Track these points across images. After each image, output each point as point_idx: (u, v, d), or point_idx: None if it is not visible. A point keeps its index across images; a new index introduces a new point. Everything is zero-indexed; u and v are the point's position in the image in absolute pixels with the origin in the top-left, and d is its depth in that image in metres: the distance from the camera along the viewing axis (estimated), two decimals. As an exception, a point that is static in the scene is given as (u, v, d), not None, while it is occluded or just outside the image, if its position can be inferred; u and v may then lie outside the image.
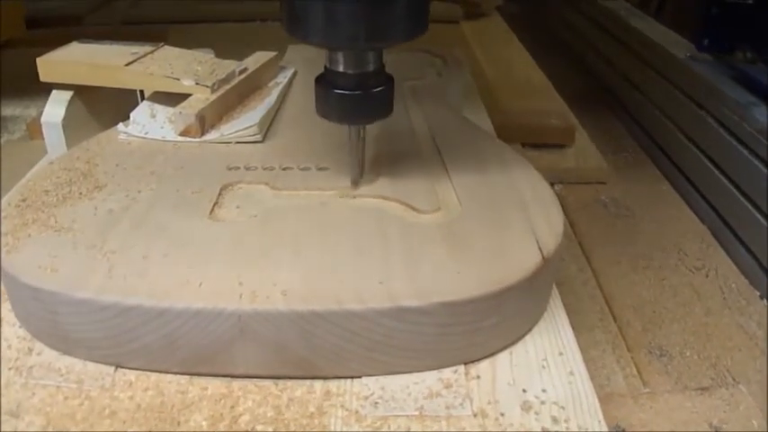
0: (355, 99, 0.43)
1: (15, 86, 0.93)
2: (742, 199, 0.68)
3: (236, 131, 0.54)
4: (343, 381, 0.37)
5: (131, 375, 0.37)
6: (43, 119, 0.59)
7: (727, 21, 0.84)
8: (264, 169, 0.49)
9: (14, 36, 1.09)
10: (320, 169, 0.50)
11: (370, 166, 0.50)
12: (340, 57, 0.42)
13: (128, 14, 1.21)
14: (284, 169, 0.49)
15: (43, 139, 0.60)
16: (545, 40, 1.41)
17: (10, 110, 0.89)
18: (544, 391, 0.37)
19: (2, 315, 0.41)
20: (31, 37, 1.11)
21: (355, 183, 0.47)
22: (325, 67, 0.43)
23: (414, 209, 0.45)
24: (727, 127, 0.73)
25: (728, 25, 0.84)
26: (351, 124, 0.45)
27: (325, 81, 0.43)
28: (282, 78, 0.66)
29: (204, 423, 0.34)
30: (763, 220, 0.64)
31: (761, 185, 0.65)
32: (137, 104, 0.58)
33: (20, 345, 0.39)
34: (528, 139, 0.85)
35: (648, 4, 1.24)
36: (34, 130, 0.79)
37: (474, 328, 0.37)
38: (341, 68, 0.42)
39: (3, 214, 0.43)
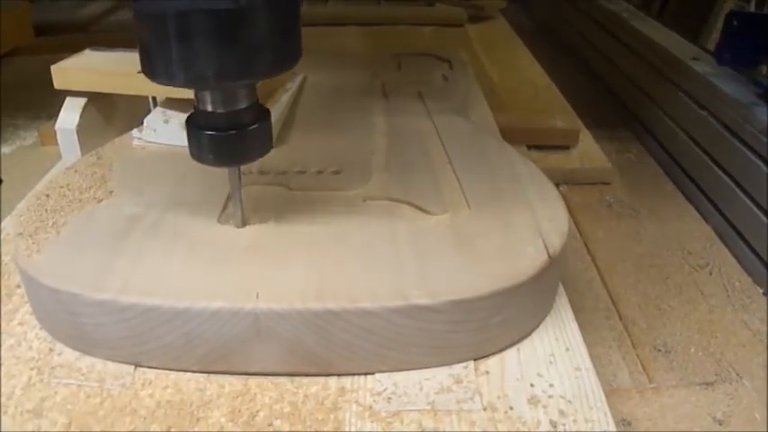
0: (230, 139, 0.38)
1: (25, 93, 0.95)
2: (744, 198, 0.68)
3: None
4: (356, 377, 0.38)
5: (151, 374, 0.38)
6: (58, 125, 0.60)
7: (748, 33, 0.80)
8: (278, 173, 0.50)
9: (23, 43, 1.10)
10: (333, 173, 0.51)
11: (380, 169, 0.51)
12: (207, 96, 0.37)
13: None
14: (297, 173, 0.50)
15: (56, 145, 0.61)
16: (548, 42, 1.42)
17: (21, 116, 0.90)
18: (551, 385, 0.38)
19: (23, 317, 0.42)
20: (39, 44, 1.12)
21: (240, 223, 0.43)
22: (195, 107, 0.38)
23: (423, 210, 0.46)
24: (729, 127, 0.73)
25: (750, 38, 0.80)
26: (228, 166, 0.41)
27: (195, 122, 0.39)
28: (292, 84, 0.67)
29: (223, 419, 0.35)
30: (765, 219, 0.64)
31: (763, 185, 0.65)
32: (150, 111, 0.59)
33: (40, 346, 0.40)
34: (533, 140, 0.85)
35: (650, 5, 1.24)
36: (46, 136, 0.80)
37: (483, 325, 0.38)
38: (210, 108, 0.38)
39: (22, 218, 0.44)
